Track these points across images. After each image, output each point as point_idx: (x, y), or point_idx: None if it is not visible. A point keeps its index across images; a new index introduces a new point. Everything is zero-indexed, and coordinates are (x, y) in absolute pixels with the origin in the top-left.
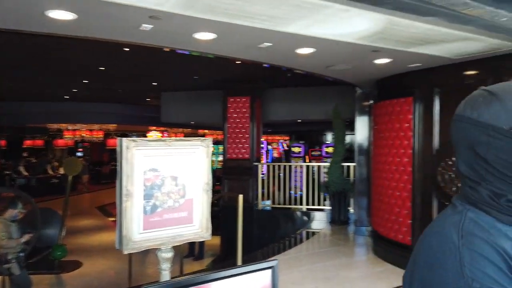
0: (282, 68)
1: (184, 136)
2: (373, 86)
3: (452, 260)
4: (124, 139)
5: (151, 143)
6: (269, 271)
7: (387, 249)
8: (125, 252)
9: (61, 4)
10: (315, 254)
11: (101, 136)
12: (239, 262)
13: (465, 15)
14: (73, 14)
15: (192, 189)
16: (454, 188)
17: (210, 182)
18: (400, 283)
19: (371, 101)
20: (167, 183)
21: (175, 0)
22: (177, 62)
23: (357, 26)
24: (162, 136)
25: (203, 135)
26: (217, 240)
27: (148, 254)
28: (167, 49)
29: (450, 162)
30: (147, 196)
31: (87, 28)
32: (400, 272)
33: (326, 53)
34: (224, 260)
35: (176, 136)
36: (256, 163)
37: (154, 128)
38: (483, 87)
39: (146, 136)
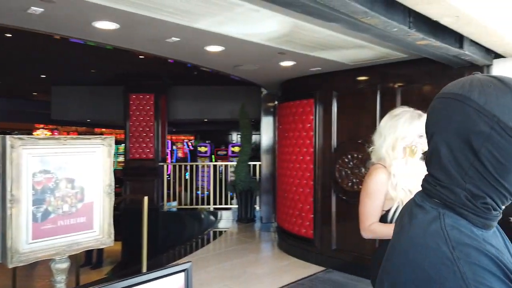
0: (188, 65)
1: (78, 135)
2: (278, 87)
3: (451, 277)
4: (7, 136)
5: (42, 141)
6: (182, 275)
7: (292, 243)
8: (11, 266)
9: None
10: (222, 253)
11: None
12: (144, 268)
13: (363, 24)
14: None
15: (91, 192)
16: (350, 183)
17: (113, 184)
18: (304, 274)
19: (276, 102)
20: (61, 186)
21: None
22: (70, 53)
23: (266, 27)
24: (52, 135)
25: (101, 134)
26: (117, 246)
27: (36, 266)
28: (58, 37)
29: (346, 160)
30: (38, 201)
31: None
32: (304, 264)
33: (234, 52)
34: (126, 267)
35: (68, 135)
36: (161, 163)
37: (42, 126)
38: (493, 75)
39: (32, 135)
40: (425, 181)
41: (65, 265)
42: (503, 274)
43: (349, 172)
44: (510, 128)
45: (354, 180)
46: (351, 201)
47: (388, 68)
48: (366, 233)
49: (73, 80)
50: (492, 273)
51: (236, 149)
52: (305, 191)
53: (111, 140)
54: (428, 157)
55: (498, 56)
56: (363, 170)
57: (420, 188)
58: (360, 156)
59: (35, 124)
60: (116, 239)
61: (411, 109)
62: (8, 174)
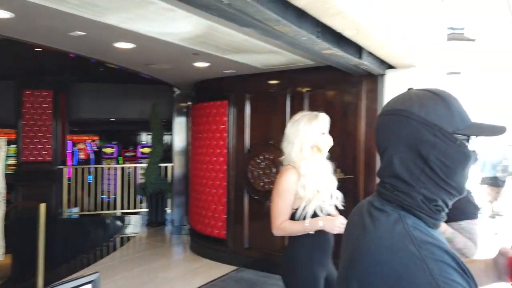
0: (92, 60)
1: None
2: (192, 87)
3: (421, 274)
4: None
5: None
6: (89, 286)
7: (204, 244)
8: None
9: None
10: (131, 260)
11: None
12: (40, 281)
13: (276, 31)
14: None
15: None
16: (261, 183)
17: (4, 191)
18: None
19: (189, 103)
20: None
21: None
22: None
23: (181, 27)
24: None
25: None
26: (6, 260)
27: None
28: None
29: (258, 160)
30: None
31: None
32: (216, 265)
33: (146, 51)
34: (17, 282)
35: None
36: (60, 166)
37: None
38: (426, 88)
39: None
40: (382, 187)
41: None
42: (459, 267)
43: (261, 172)
44: (450, 134)
45: (266, 180)
46: (262, 201)
47: (298, 74)
48: (277, 231)
49: None
50: (453, 268)
51: (146, 150)
52: (219, 192)
53: (1, 141)
54: (382, 168)
55: (390, 66)
56: (274, 170)
57: (327, 188)
58: (271, 157)
59: None
60: (7, 252)
61: (309, 112)
62: None
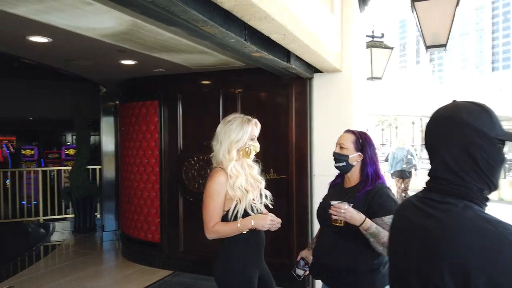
0: (6, 54)
1: None
2: (119, 86)
3: (508, 247)
4: None
5: None
6: None
7: (138, 250)
8: None
9: None
10: (56, 270)
11: None
12: None
13: (203, 31)
14: None
15: None
16: (196, 185)
17: None
18: (151, 281)
19: (117, 102)
20: None
21: None
22: None
23: (101, 23)
24: None
25: None
26: None
27: None
28: None
29: (192, 162)
30: None
31: None
32: (151, 270)
33: (65, 46)
34: None
35: None
36: None
37: None
38: (469, 101)
39: None
40: (438, 184)
41: None
42: None
43: (195, 174)
44: (493, 138)
45: (201, 182)
46: (198, 203)
47: (230, 74)
48: (210, 234)
49: None
50: None
51: (72, 151)
52: (152, 195)
53: None
54: (435, 167)
55: (317, 70)
56: (209, 171)
57: (255, 187)
58: (205, 158)
59: None
60: None
61: (242, 115)
62: None
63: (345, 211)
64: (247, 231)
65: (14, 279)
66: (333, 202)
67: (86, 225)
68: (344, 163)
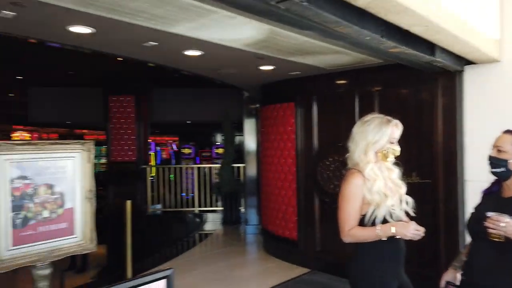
0: (168, 67)
1: (59, 137)
2: (259, 90)
3: None
4: None
5: (19, 147)
6: (163, 282)
7: (276, 245)
8: None
9: None
10: (208, 256)
11: None
12: (129, 272)
13: (337, 32)
14: None
15: (72, 198)
16: (332, 186)
17: (94, 189)
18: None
19: (257, 105)
20: (41, 192)
21: None
22: (47, 55)
23: (243, 33)
24: (31, 137)
25: (81, 136)
26: (102, 250)
27: (20, 271)
28: (34, 41)
29: (327, 163)
30: (16, 208)
31: None
32: (288, 266)
33: (213, 57)
34: (112, 272)
35: (49, 137)
36: (144, 166)
37: (21, 127)
38: None
39: (10, 137)
40: None
41: (47, 271)
42: None
43: (331, 175)
44: None
45: (336, 183)
46: (333, 204)
47: (366, 73)
48: (346, 238)
49: (50, 82)
50: None
51: (220, 150)
52: (289, 194)
53: (90, 144)
54: None
55: (468, 62)
56: (344, 173)
57: (395, 193)
58: (341, 159)
59: (13, 125)
60: (101, 243)
61: (381, 116)
62: None
63: (506, 225)
64: (386, 238)
65: (174, 261)
66: (489, 214)
67: (233, 218)
68: (502, 169)
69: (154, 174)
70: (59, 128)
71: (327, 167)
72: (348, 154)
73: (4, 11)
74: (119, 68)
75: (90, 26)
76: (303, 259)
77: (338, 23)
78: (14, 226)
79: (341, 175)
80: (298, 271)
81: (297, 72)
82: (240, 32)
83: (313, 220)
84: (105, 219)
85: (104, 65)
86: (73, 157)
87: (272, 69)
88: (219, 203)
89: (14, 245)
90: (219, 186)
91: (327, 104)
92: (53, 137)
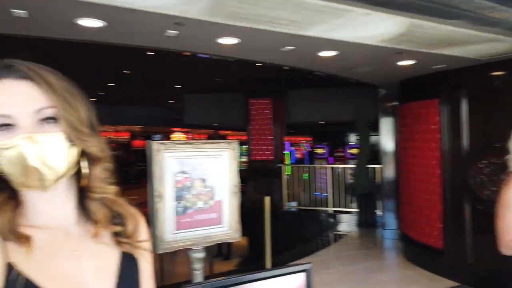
0: (303, 70)
1: (208, 137)
2: (397, 87)
3: None
4: (154, 142)
5: (180, 146)
6: (303, 274)
7: (418, 252)
8: (159, 252)
9: (90, 12)
10: (343, 256)
11: (127, 137)
12: (268, 264)
13: (492, 18)
14: (103, 21)
15: (220, 191)
16: (487, 192)
17: (238, 184)
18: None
19: (395, 103)
20: (196, 185)
21: (199, 7)
22: (198, 65)
23: (379, 29)
24: (186, 137)
25: (225, 136)
26: (243, 241)
27: (177, 253)
28: (188, 53)
29: (481, 165)
30: (178, 198)
31: (116, 35)
32: (433, 277)
33: (348, 56)
34: (252, 262)
35: (199, 137)
36: (280, 165)
37: (178, 129)
38: None
39: (170, 137)
40: None
41: (201, 255)
42: None
43: (485, 179)
44: None
45: (493, 189)
46: (489, 212)
47: None
48: (506, 250)
49: (201, 88)
50: None
51: (354, 150)
52: (432, 198)
53: (235, 144)
54: None
55: None
56: (504, 177)
57: None
58: (499, 162)
59: (172, 128)
60: (243, 234)
61: None
62: (154, 174)
63: None
64: None
65: (310, 258)
66: None
67: (368, 220)
68: None
69: (288, 173)
70: (208, 130)
71: (480, 171)
72: (508, 156)
73: (169, 31)
74: (257, 73)
75: (237, 37)
76: (450, 271)
77: (493, 9)
78: (176, 213)
79: (499, 180)
80: (444, 283)
81: (441, 66)
82: (375, 28)
83: (463, 229)
84: (246, 213)
85: (244, 71)
86: (221, 155)
87: (413, 64)
88: (354, 205)
89: (176, 230)
90: (353, 187)
91: (479, 99)
92: (203, 138)
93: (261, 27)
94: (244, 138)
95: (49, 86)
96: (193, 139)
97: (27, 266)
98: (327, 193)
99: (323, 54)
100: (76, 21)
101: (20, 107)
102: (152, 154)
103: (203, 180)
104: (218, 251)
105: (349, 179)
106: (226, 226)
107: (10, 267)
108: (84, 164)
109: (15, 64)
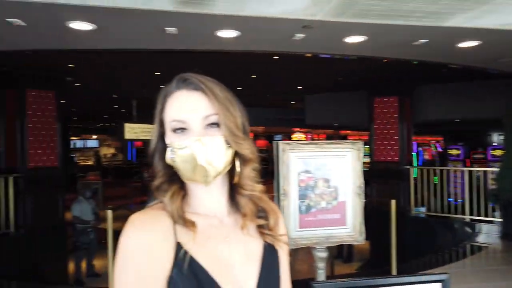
0: (435, 63)
1: (327, 137)
2: None
3: None
4: (280, 142)
5: (304, 146)
6: (439, 285)
7: None
8: None
9: (229, 25)
10: (482, 271)
11: (251, 137)
12: (394, 270)
13: None
14: (237, 32)
15: (344, 192)
16: None
17: (362, 185)
18: None
19: None
20: (319, 185)
21: (328, 9)
22: (319, 65)
23: None
24: (306, 138)
25: (345, 136)
26: (365, 245)
27: (297, 251)
28: (309, 55)
29: None
30: (302, 197)
31: (248, 43)
32: None
33: (493, 45)
34: (373, 266)
35: (318, 137)
36: (407, 166)
37: (298, 129)
38: None
39: (291, 138)
40: None
41: (324, 254)
42: None
43: None
44: None
45: None
46: None
47: None
48: None
49: (321, 89)
50: None
51: (498, 152)
52: None
53: (360, 144)
54: None
55: None
56: None
57: None
58: None
59: (292, 128)
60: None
61: None
62: (280, 172)
63: None
64: None
65: (441, 269)
66: None
67: None
68: None
69: (415, 175)
70: (327, 130)
71: None
72: None
73: (297, 34)
74: (382, 70)
75: (364, 35)
76: None
77: None
78: (300, 211)
79: None
80: None
81: None
82: None
83: None
84: (368, 215)
85: (368, 69)
86: (345, 155)
87: None
88: (497, 213)
89: (300, 228)
90: (496, 194)
91: None
92: (322, 138)
93: (392, 22)
94: (365, 138)
95: (215, 96)
96: (312, 139)
97: (191, 247)
98: (462, 199)
99: (463, 45)
100: (216, 33)
101: (192, 114)
102: (279, 153)
103: (327, 180)
104: (338, 252)
105: (491, 184)
106: (350, 228)
107: (178, 246)
108: (237, 164)
109: (190, 78)
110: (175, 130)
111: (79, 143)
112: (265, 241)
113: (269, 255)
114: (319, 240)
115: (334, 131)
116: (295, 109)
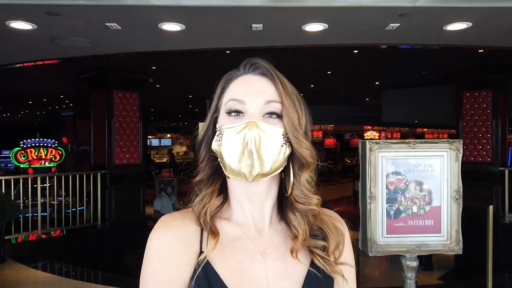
0: None
1: (401, 136)
2: None
3: None
4: (367, 141)
5: (394, 145)
6: None
7: None
8: (371, 255)
9: (315, 17)
10: None
11: (320, 136)
12: (489, 283)
13: None
14: (324, 24)
15: (439, 196)
16: None
17: (461, 190)
18: None
19: None
20: (411, 188)
21: None
22: (399, 58)
23: None
24: (379, 136)
25: (422, 134)
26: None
27: (380, 259)
28: (385, 46)
29: None
30: (390, 200)
31: (334, 36)
32: None
33: None
34: (459, 277)
35: (393, 136)
36: (502, 168)
37: (370, 127)
38: None
39: (363, 136)
40: None
41: (414, 263)
42: None
43: None
44: None
45: None
46: None
47: None
48: None
49: (401, 84)
50: None
51: None
52: None
53: (458, 144)
54: None
55: None
56: None
57: None
58: None
59: (364, 126)
60: None
61: None
62: (367, 174)
63: None
64: None
65: None
66: None
67: None
68: None
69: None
70: (402, 128)
71: None
72: None
73: (391, 24)
74: (476, 61)
75: (468, 21)
76: None
77: None
78: (388, 216)
79: None
80: None
81: None
82: None
83: None
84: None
85: (458, 60)
86: (441, 156)
87: None
88: None
89: (387, 233)
90: None
91: None
92: (396, 136)
93: (503, 4)
94: (445, 136)
95: (282, 84)
96: (386, 137)
97: (214, 256)
98: None
99: None
100: (304, 27)
101: (253, 98)
102: (365, 153)
103: (419, 183)
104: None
105: None
106: (445, 236)
107: (200, 254)
108: (291, 173)
109: (258, 62)
110: (230, 113)
111: (154, 142)
112: (316, 263)
113: (316, 279)
114: (409, 248)
115: (410, 129)
116: (369, 106)
